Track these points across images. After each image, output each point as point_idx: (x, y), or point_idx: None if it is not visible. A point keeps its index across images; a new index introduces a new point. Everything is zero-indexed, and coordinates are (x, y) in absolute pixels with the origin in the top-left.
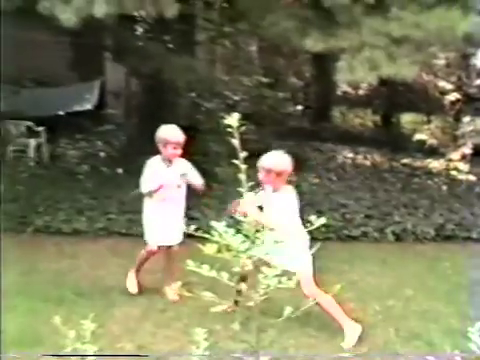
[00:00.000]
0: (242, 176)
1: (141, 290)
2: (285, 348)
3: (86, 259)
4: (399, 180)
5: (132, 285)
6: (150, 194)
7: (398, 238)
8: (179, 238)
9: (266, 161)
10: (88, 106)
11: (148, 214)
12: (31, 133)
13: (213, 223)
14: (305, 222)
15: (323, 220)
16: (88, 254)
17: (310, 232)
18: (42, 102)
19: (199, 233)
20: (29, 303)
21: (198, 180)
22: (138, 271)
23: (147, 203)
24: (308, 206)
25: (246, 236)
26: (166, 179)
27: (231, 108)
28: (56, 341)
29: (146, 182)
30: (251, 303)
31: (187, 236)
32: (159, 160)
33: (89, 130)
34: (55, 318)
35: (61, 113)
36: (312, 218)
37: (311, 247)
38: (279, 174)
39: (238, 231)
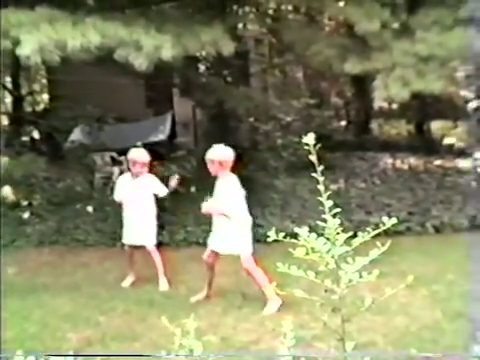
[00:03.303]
0: (321, 187)
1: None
2: None
3: (170, 267)
4: (434, 180)
5: (126, 281)
6: (120, 203)
7: (437, 230)
8: (149, 239)
9: (210, 153)
10: (162, 136)
11: (124, 220)
12: (114, 162)
13: (297, 230)
14: (376, 223)
15: (394, 220)
16: (171, 262)
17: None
18: (123, 135)
19: (287, 239)
20: (124, 305)
21: (162, 191)
22: (130, 270)
23: (124, 211)
24: (358, 207)
25: (327, 239)
26: (131, 191)
27: (285, 128)
28: (150, 337)
29: (115, 193)
30: (336, 297)
31: (256, 241)
32: (128, 176)
33: (164, 157)
34: (162, 318)
35: (139, 144)
36: (385, 219)
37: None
38: (221, 163)
39: (320, 235)
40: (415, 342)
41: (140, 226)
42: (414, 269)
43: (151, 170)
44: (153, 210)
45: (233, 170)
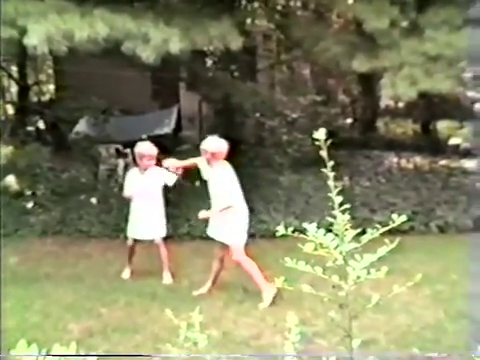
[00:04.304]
0: (331, 182)
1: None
2: None
3: (173, 260)
4: (439, 180)
5: (125, 273)
6: (130, 198)
7: (441, 230)
8: (157, 233)
9: (204, 144)
10: (167, 130)
11: (130, 213)
12: (119, 154)
13: (305, 225)
14: (385, 221)
15: (403, 217)
16: (174, 256)
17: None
18: (128, 128)
19: (295, 234)
20: (126, 297)
21: (171, 180)
22: (129, 262)
23: (132, 204)
24: (362, 206)
25: (336, 235)
26: (140, 185)
27: (290, 125)
28: (152, 330)
29: (125, 189)
30: (343, 293)
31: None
32: (136, 171)
33: (169, 150)
34: (166, 311)
35: (144, 137)
36: (394, 216)
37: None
38: (214, 154)
39: (328, 230)
40: (417, 341)
41: (149, 220)
42: (417, 268)
43: (157, 164)
44: (161, 203)
45: (229, 161)
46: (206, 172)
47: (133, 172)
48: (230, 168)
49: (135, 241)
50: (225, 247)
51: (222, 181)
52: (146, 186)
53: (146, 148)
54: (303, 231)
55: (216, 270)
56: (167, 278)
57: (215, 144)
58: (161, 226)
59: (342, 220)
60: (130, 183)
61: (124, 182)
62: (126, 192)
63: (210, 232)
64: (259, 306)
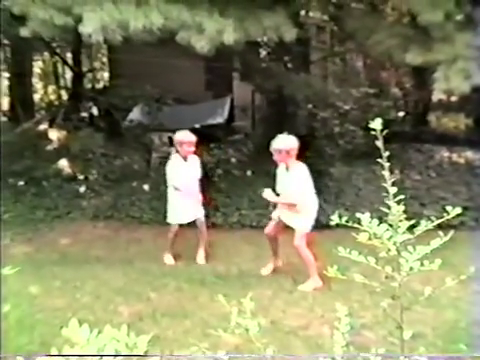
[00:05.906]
0: (386, 173)
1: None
2: None
3: (223, 248)
4: None
5: (168, 259)
6: (177, 188)
7: None
8: (200, 212)
9: (277, 143)
10: (220, 119)
11: (170, 200)
12: (172, 143)
13: (359, 215)
14: (435, 216)
15: (458, 209)
16: (224, 244)
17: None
18: (181, 117)
19: (349, 223)
20: (176, 282)
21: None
22: (172, 248)
23: (169, 191)
24: (412, 199)
25: (390, 225)
26: (184, 174)
27: (343, 116)
28: (201, 316)
29: (171, 178)
30: (395, 284)
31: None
32: (178, 158)
33: (221, 140)
34: (218, 296)
35: (197, 126)
36: (449, 208)
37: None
38: (288, 152)
39: (381, 221)
40: (465, 337)
41: (191, 205)
42: (467, 264)
43: (196, 152)
44: (198, 190)
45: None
46: (282, 177)
47: (175, 161)
48: (305, 167)
49: (180, 227)
50: (278, 227)
51: (299, 182)
52: (189, 175)
53: (185, 135)
54: (355, 221)
55: (274, 248)
56: (200, 258)
57: (289, 141)
58: (200, 206)
59: (397, 210)
60: (174, 172)
61: (167, 171)
62: (175, 182)
63: (278, 213)
64: (298, 287)
